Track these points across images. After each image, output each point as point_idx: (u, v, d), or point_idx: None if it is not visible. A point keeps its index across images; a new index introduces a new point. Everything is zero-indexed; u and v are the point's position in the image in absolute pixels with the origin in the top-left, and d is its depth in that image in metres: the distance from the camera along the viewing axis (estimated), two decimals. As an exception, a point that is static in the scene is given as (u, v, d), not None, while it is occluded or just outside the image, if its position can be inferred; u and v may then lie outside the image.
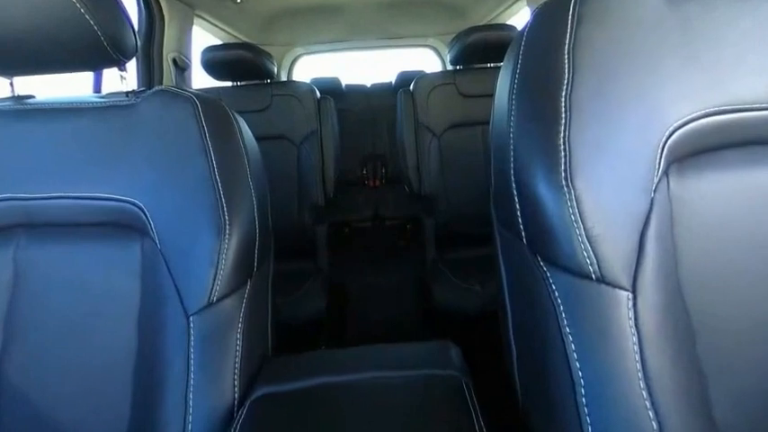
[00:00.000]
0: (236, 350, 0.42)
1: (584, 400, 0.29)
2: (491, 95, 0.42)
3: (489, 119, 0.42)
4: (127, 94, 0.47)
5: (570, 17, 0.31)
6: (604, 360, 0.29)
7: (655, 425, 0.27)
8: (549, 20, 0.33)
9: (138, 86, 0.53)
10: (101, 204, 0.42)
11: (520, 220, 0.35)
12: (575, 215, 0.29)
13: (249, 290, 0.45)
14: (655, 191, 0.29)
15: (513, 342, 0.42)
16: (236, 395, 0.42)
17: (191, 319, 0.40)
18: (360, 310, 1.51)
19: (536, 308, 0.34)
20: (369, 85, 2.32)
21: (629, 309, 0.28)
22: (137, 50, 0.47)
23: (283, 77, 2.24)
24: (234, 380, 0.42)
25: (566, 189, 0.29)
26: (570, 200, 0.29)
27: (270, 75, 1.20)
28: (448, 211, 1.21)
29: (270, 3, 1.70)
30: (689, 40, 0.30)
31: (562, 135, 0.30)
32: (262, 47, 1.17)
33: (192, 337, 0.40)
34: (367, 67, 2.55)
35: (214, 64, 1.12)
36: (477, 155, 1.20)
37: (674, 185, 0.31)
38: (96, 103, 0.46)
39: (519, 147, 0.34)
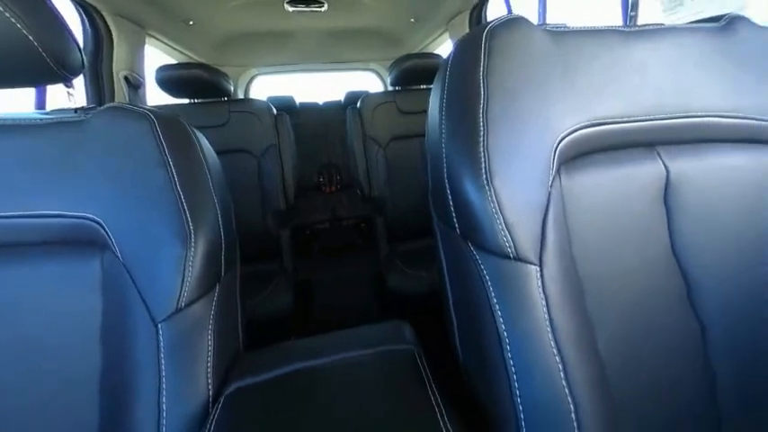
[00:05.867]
0: (208, 351, 0.41)
1: (509, 354, 0.34)
2: (425, 112, 0.45)
3: (425, 132, 0.44)
4: (75, 110, 0.44)
5: (483, 49, 0.35)
6: (523, 321, 0.33)
7: (560, 366, 0.32)
8: (467, 51, 0.36)
9: (88, 104, 0.48)
10: (53, 222, 0.39)
11: (453, 214, 0.37)
12: (495, 208, 0.32)
13: (218, 293, 0.44)
14: (551, 186, 0.33)
15: (453, 315, 0.45)
16: (211, 393, 0.41)
17: (159, 326, 0.39)
18: (323, 302, 1.53)
19: (469, 285, 0.37)
20: (321, 103, 2.35)
21: (537, 279, 0.32)
22: (83, 66, 0.45)
23: (240, 95, 2.21)
24: (207, 379, 0.41)
25: (487, 188, 0.33)
26: (491, 196, 0.32)
27: (227, 93, 1.18)
28: (395, 211, 1.27)
29: (221, 27, 1.68)
30: (568, 70, 0.36)
31: (482, 145, 0.33)
32: (217, 67, 1.15)
33: (162, 344, 0.39)
34: (319, 85, 2.62)
35: (169, 82, 1.07)
36: (417, 162, 1.28)
37: (564, 182, 0.36)
38: (41, 120, 0.42)
39: (450, 155, 0.36)
